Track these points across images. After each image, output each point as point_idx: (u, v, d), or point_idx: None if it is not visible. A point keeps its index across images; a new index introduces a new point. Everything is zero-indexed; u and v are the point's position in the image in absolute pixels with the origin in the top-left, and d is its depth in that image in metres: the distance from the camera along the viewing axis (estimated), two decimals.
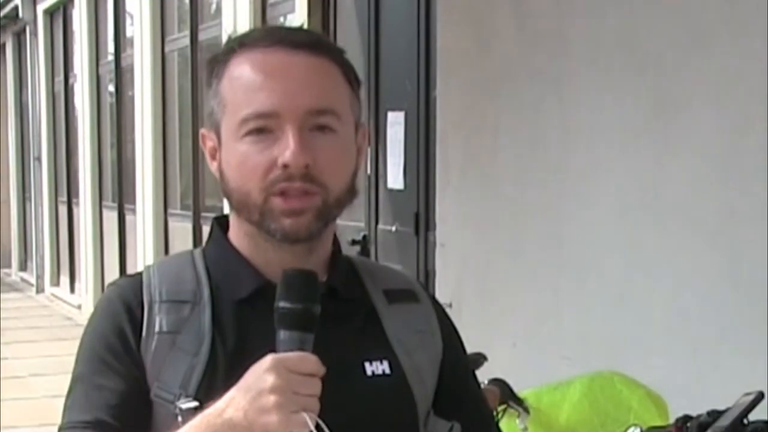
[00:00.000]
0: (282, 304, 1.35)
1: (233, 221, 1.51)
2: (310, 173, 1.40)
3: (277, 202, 1.41)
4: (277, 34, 1.47)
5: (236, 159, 1.43)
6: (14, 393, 7.81)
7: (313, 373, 1.30)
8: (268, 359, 1.30)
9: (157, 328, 1.43)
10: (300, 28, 1.52)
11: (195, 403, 1.37)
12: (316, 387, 1.30)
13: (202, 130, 1.52)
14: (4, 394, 7.47)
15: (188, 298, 1.46)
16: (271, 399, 1.27)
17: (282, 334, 1.33)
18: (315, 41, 1.47)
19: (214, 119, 1.47)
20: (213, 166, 1.50)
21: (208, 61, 1.51)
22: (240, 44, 1.47)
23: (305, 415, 1.28)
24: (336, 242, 1.54)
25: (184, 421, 1.36)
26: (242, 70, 1.45)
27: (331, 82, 1.46)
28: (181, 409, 1.38)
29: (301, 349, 1.32)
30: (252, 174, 1.42)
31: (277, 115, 1.41)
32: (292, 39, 1.45)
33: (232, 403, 1.30)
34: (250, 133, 1.42)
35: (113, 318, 1.45)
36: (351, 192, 1.47)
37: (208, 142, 1.50)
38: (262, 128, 1.41)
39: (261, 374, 1.29)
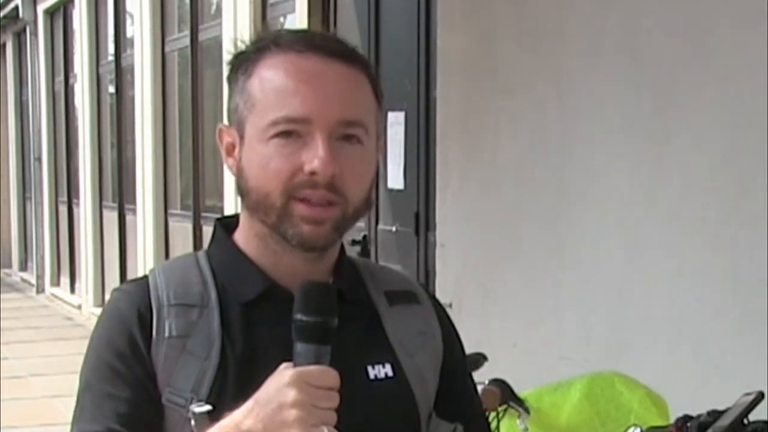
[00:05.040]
0: (299, 316, 1.34)
1: (244, 221, 1.50)
2: (334, 183, 1.40)
3: (300, 208, 1.40)
4: (312, 39, 1.45)
5: (260, 159, 1.42)
6: (14, 393, 7.81)
7: (333, 387, 1.30)
8: (288, 373, 1.30)
9: (166, 333, 1.42)
10: (333, 36, 1.51)
11: (208, 407, 1.37)
12: (334, 400, 1.30)
13: (221, 126, 1.50)
14: (4, 394, 7.47)
15: (196, 302, 1.45)
16: (293, 413, 1.27)
17: (299, 347, 1.33)
18: (349, 51, 1.46)
19: (239, 116, 1.46)
20: (229, 161, 1.49)
21: (235, 56, 1.48)
22: (273, 44, 1.45)
23: (325, 429, 1.29)
24: (341, 245, 1.53)
25: (197, 425, 1.36)
26: (275, 72, 1.43)
27: (362, 93, 1.45)
28: (194, 413, 1.37)
29: (318, 361, 1.32)
30: (275, 176, 1.40)
31: (309, 121, 1.39)
32: (327, 47, 1.44)
33: (250, 414, 1.30)
34: (277, 135, 1.40)
35: (122, 324, 1.44)
36: (367, 204, 1.47)
37: (226, 138, 1.49)
38: (291, 132, 1.40)
39: (282, 388, 1.29)
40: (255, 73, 1.44)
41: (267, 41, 1.46)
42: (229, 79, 1.49)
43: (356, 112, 1.43)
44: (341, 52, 1.44)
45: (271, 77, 1.43)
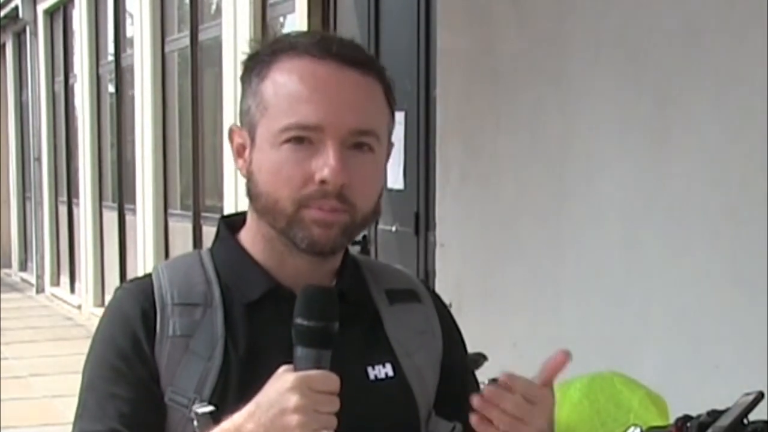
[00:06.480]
0: (300, 321, 1.34)
1: (251, 222, 1.50)
2: (343, 193, 1.39)
3: (309, 212, 1.40)
4: (328, 45, 1.43)
5: (271, 165, 1.41)
6: (14, 393, 7.81)
7: (334, 391, 1.30)
8: (290, 377, 1.30)
9: (170, 332, 1.42)
10: (350, 42, 1.48)
11: (210, 408, 1.37)
12: (335, 404, 1.30)
13: (232, 126, 1.49)
14: (4, 394, 7.47)
15: (200, 301, 1.45)
16: (295, 418, 1.27)
17: (299, 351, 1.33)
18: (364, 59, 1.45)
19: (250, 119, 1.45)
20: (239, 163, 1.48)
21: (248, 57, 1.47)
22: (288, 48, 1.44)
23: None
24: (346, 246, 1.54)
25: (200, 426, 1.36)
26: (289, 77, 1.42)
27: (375, 103, 1.45)
28: (196, 414, 1.37)
29: (319, 366, 1.32)
30: (286, 184, 1.40)
31: (321, 129, 1.39)
32: (343, 54, 1.43)
33: (251, 418, 1.30)
34: (288, 141, 1.40)
35: (125, 323, 1.44)
36: (375, 212, 1.47)
37: (237, 139, 1.48)
38: (303, 139, 1.39)
39: (284, 392, 1.29)
40: (269, 76, 1.43)
41: (282, 44, 1.45)
42: (242, 79, 1.48)
43: (369, 121, 1.42)
44: (357, 60, 1.43)
45: (284, 82, 1.42)
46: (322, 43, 1.44)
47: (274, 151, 1.41)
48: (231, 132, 1.50)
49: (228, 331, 1.43)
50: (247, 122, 1.46)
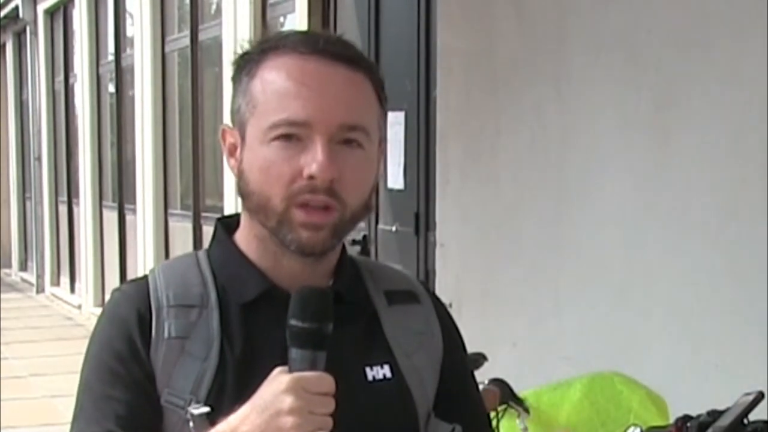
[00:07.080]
0: (294, 322, 1.33)
1: (245, 222, 1.50)
2: (333, 188, 1.39)
3: (298, 214, 1.40)
4: (316, 42, 1.43)
5: (260, 163, 1.41)
6: (14, 393, 7.81)
7: (329, 392, 1.30)
8: (285, 379, 1.30)
9: (166, 334, 1.42)
10: (338, 38, 1.48)
11: (206, 409, 1.37)
12: (330, 406, 1.30)
13: (224, 126, 1.49)
14: (4, 394, 7.47)
15: (195, 302, 1.45)
16: (290, 420, 1.27)
17: (294, 353, 1.33)
18: (353, 55, 1.44)
19: (240, 117, 1.45)
20: (230, 162, 1.48)
21: (239, 57, 1.48)
22: (276, 46, 1.44)
23: None
24: (342, 245, 1.52)
25: (196, 427, 1.36)
26: (277, 74, 1.42)
27: (364, 98, 1.44)
28: (192, 415, 1.37)
29: (314, 367, 1.32)
30: (276, 181, 1.40)
31: (309, 125, 1.39)
32: (331, 50, 1.42)
33: (246, 421, 1.30)
34: (277, 138, 1.40)
35: (121, 325, 1.44)
36: (367, 208, 1.46)
37: (229, 139, 1.48)
38: (291, 135, 1.39)
39: (278, 394, 1.29)
40: (258, 74, 1.43)
41: (271, 42, 1.45)
42: (233, 79, 1.48)
43: (357, 117, 1.42)
44: (345, 56, 1.43)
45: (273, 79, 1.42)
46: (310, 40, 1.44)
47: (264, 148, 1.41)
48: (223, 132, 1.50)
49: (224, 332, 1.43)
50: (238, 121, 1.46)
